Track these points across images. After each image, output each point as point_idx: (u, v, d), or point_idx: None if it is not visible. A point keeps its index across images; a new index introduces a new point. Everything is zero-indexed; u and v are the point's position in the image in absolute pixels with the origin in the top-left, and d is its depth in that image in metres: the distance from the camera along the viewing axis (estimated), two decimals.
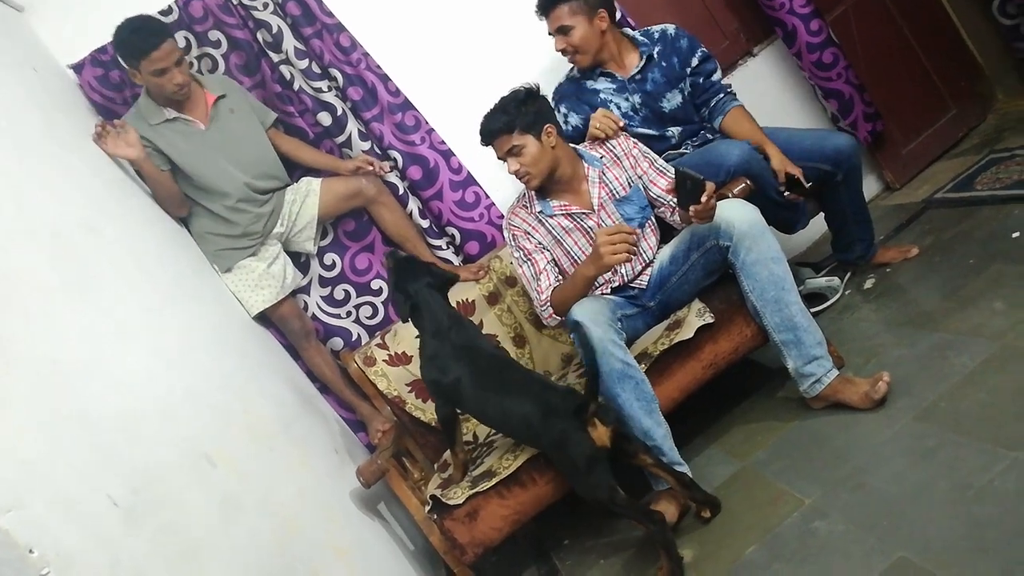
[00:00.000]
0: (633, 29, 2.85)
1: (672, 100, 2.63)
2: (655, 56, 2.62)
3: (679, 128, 2.64)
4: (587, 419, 1.94)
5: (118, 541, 1.09)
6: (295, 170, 2.84)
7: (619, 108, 2.61)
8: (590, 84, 2.65)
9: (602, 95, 2.63)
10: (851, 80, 3.07)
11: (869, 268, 2.73)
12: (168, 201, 2.53)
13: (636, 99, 2.61)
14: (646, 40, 2.65)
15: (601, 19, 2.55)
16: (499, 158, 2.29)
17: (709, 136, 2.69)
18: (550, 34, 2.61)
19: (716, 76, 2.65)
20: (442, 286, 2.31)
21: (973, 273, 2.30)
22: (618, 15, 2.94)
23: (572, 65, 2.68)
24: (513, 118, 2.21)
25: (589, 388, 1.93)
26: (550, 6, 2.57)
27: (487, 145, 2.28)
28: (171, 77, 2.44)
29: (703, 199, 2.00)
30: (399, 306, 2.28)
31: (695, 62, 2.63)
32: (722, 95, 2.64)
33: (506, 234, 2.41)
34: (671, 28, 2.67)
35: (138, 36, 2.40)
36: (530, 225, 2.36)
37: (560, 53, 2.61)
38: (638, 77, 2.61)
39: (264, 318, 2.68)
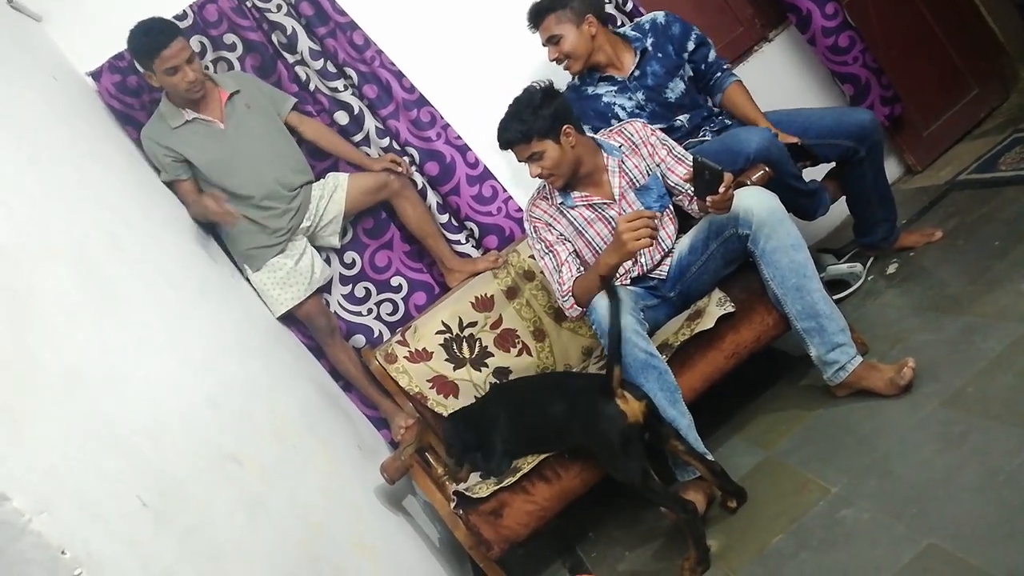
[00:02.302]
0: (640, 16, 2.86)
1: (675, 88, 2.62)
2: (649, 49, 2.61)
3: (687, 115, 2.63)
4: (614, 390, 1.93)
5: (148, 542, 1.10)
6: (319, 162, 2.86)
7: (624, 108, 2.60)
8: (591, 90, 2.64)
9: (604, 99, 2.62)
10: (868, 64, 3.02)
11: (892, 252, 2.70)
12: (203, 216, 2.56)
13: (640, 96, 2.60)
14: (638, 35, 2.64)
15: (590, 24, 2.56)
16: (519, 161, 2.27)
17: (727, 121, 2.67)
18: (543, 45, 2.63)
19: (712, 57, 2.65)
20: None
21: (998, 255, 2.27)
22: (628, 8, 2.94)
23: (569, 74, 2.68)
24: (529, 126, 2.17)
25: (611, 353, 1.92)
26: (538, 18, 2.60)
27: (505, 150, 2.27)
28: (183, 75, 2.46)
29: (721, 189, 1.98)
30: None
31: (691, 46, 2.63)
32: (719, 74, 2.65)
33: (527, 225, 2.41)
34: (660, 16, 2.66)
35: (148, 36, 2.43)
36: (551, 216, 2.35)
37: (555, 63, 2.61)
38: (637, 74, 2.61)
39: (287, 318, 2.70)
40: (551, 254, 2.33)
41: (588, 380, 2.02)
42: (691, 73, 2.65)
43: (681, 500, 1.93)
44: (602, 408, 1.94)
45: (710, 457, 2.08)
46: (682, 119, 2.62)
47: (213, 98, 2.62)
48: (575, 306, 2.27)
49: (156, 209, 2.32)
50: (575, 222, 2.33)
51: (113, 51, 2.64)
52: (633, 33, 2.65)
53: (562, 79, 2.65)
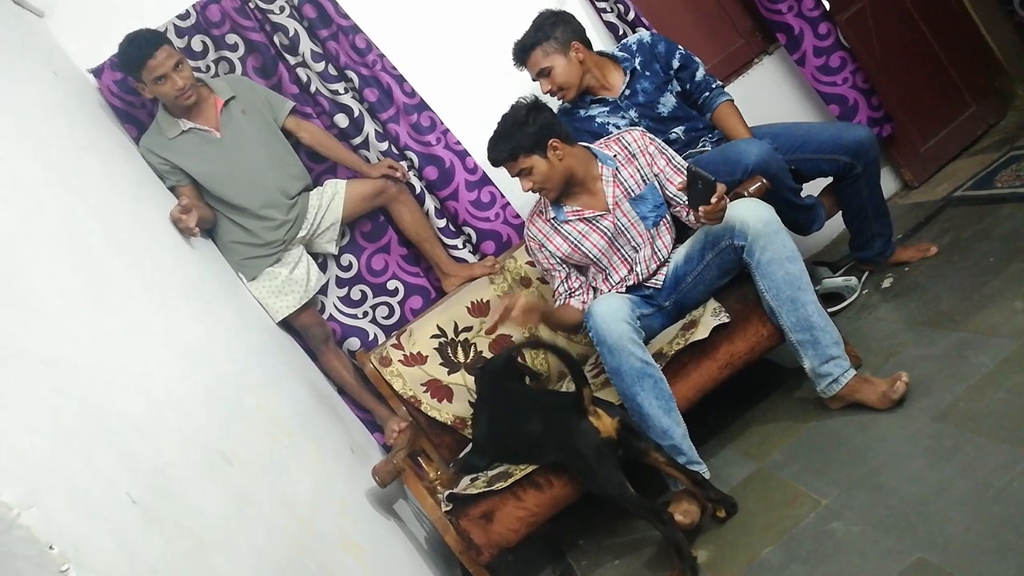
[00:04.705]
0: (641, 26, 2.87)
1: (667, 103, 2.63)
2: (638, 68, 2.63)
3: (682, 127, 2.64)
4: (586, 408, 1.95)
5: (136, 537, 1.10)
6: (317, 165, 2.86)
7: (618, 127, 2.61)
8: (583, 113, 2.66)
9: (598, 120, 2.64)
10: (858, 84, 3.04)
11: (887, 267, 2.71)
12: (205, 223, 2.56)
13: (632, 114, 2.62)
14: (626, 55, 2.66)
15: (576, 50, 2.58)
16: (512, 177, 2.32)
17: None
18: (533, 79, 2.64)
19: (700, 74, 2.66)
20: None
21: (992, 272, 2.28)
22: (630, 17, 2.95)
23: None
24: (515, 144, 2.21)
25: (577, 377, 1.95)
26: (524, 55, 2.61)
27: (497, 167, 2.31)
28: (172, 83, 2.46)
29: (713, 200, 1.99)
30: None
31: (676, 64, 2.65)
32: (708, 93, 2.66)
33: (527, 244, 2.46)
34: (646, 36, 2.70)
35: (133, 47, 2.43)
36: (545, 236, 2.38)
37: (548, 95, 2.62)
38: (628, 93, 2.63)
39: (283, 320, 2.70)
40: (550, 278, 2.44)
41: (562, 398, 2.05)
42: (679, 88, 2.67)
43: (658, 511, 1.93)
44: (575, 425, 1.96)
45: (698, 468, 2.09)
46: (677, 131, 2.63)
47: (208, 106, 2.61)
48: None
49: (154, 205, 2.32)
50: (570, 237, 2.35)
51: (114, 49, 2.63)
52: (621, 54, 2.67)
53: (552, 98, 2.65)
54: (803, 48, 3.01)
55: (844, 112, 3.06)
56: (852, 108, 3.06)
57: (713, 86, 2.66)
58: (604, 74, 2.65)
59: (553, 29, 2.57)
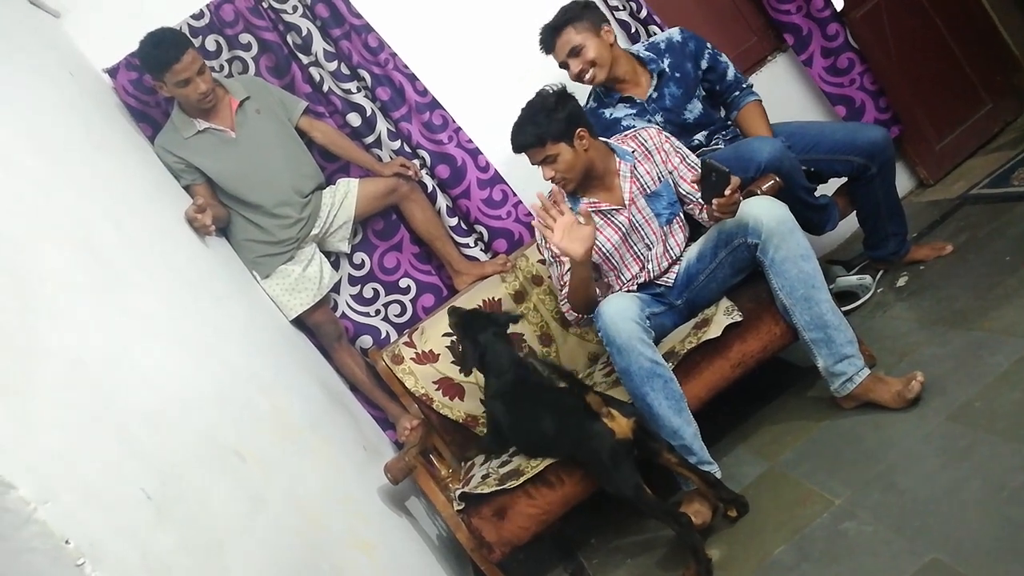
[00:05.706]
0: (657, 30, 2.85)
1: (694, 110, 2.60)
2: (667, 71, 2.58)
3: (704, 132, 2.62)
4: (596, 412, 1.95)
5: (149, 533, 1.11)
6: (330, 164, 2.87)
7: None
8: (610, 113, 2.62)
9: (624, 123, 2.60)
10: (865, 86, 3.02)
11: (902, 266, 2.69)
12: (220, 222, 2.58)
13: (658, 118, 2.58)
14: (653, 55, 2.60)
15: (607, 33, 2.55)
16: (533, 164, 2.29)
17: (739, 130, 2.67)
18: (562, 65, 2.58)
19: (730, 74, 2.63)
20: (503, 331, 2.44)
21: (1008, 271, 2.26)
22: (642, 15, 2.94)
23: (588, 95, 2.66)
24: (544, 130, 2.18)
25: (575, 384, 1.97)
26: (555, 33, 2.54)
27: (519, 153, 2.28)
28: (195, 87, 2.48)
29: (727, 192, 1.98)
30: (467, 357, 2.42)
31: (704, 65, 2.61)
32: (737, 92, 2.63)
33: (537, 233, 2.42)
34: (676, 34, 2.64)
35: (160, 49, 2.44)
36: None
37: (576, 79, 2.57)
38: (655, 96, 2.59)
39: (296, 318, 2.71)
40: (557, 263, 2.34)
41: (575, 398, 2.04)
42: (703, 92, 2.64)
43: (674, 513, 1.93)
44: (589, 426, 1.96)
45: (710, 468, 2.08)
46: (699, 138, 2.62)
47: (224, 106, 2.63)
48: (571, 311, 2.32)
49: (168, 203, 2.33)
50: None
51: (130, 48, 2.65)
52: (647, 54, 2.61)
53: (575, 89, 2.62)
54: (810, 49, 3.00)
55: (851, 113, 3.05)
56: (859, 109, 3.05)
57: (744, 85, 2.63)
58: (634, 69, 2.61)
59: (583, 13, 2.54)
